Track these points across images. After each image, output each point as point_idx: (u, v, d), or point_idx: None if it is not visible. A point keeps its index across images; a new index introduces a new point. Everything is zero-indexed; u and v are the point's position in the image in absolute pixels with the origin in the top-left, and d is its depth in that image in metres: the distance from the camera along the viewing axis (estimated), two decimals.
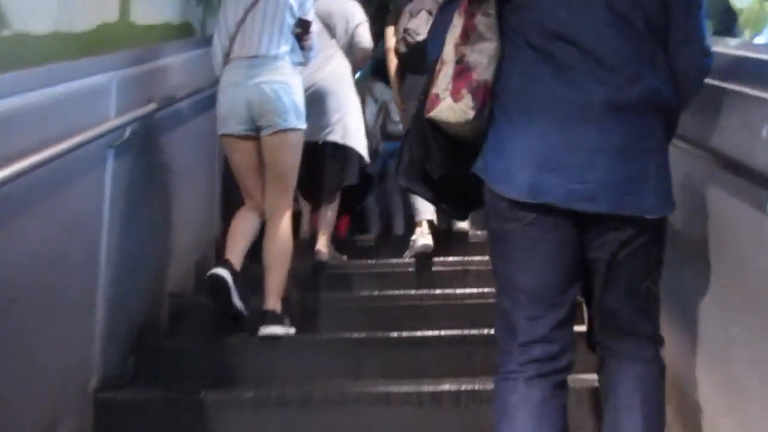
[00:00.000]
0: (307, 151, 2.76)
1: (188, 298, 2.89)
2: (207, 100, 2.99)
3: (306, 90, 2.77)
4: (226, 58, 2.59)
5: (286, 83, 2.54)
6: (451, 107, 1.50)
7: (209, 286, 2.40)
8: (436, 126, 1.55)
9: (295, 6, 2.61)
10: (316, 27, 2.78)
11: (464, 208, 1.82)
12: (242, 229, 2.56)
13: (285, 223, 2.55)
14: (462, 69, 1.50)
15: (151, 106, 2.50)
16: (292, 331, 2.47)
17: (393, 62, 3.55)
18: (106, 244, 2.22)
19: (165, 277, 2.76)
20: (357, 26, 3.49)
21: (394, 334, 2.43)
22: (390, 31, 3.60)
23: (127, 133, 2.31)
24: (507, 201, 1.44)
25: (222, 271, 2.37)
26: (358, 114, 3.51)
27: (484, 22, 1.50)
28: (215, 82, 2.69)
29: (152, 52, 2.75)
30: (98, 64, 2.25)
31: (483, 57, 1.50)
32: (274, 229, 2.53)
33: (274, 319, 2.41)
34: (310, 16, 2.69)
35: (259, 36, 2.55)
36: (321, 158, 3.28)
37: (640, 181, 1.39)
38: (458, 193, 1.66)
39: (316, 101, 3.17)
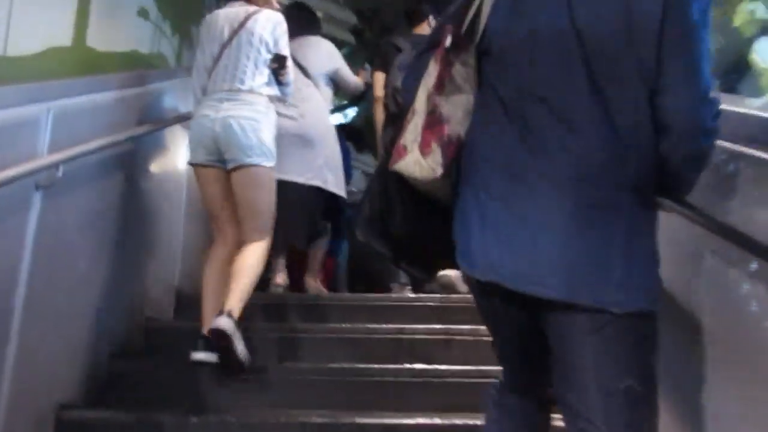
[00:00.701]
0: (290, 191, 2.90)
1: (132, 360, 2.54)
2: (168, 136, 2.70)
3: (285, 130, 2.89)
4: (204, 92, 2.61)
5: (255, 119, 2.49)
6: (419, 161, 1.38)
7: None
8: (401, 179, 1.44)
9: (271, 42, 2.62)
10: (291, 63, 2.74)
11: (429, 269, 1.67)
12: (214, 286, 2.42)
13: (260, 247, 2.45)
14: (434, 121, 1.39)
15: (96, 143, 2.19)
16: (241, 347, 2.27)
17: (380, 114, 3.43)
18: (23, 301, 1.87)
19: (103, 336, 2.40)
20: (338, 71, 3.57)
21: (363, 420, 2.08)
22: (379, 78, 3.49)
23: (60, 173, 1.99)
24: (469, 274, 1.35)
25: (203, 356, 2.22)
26: (338, 154, 3.54)
27: (461, 72, 1.39)
28: (178, 117, 2.47)
29: (105, 81, 2.45)
30: (30, 93, 1.94)
31: (458, 110, 1.39)
32: (248, 248, 2.43)
33: (228, 320, 2.21)
34: (286, 52, 2.67)
35: (234, 71, 2.57)
36: (304, 200, 3.28)
37: (604, 268, 1.20)
38: (423, 253, 1.53)
39: (297, 143, 3.22)
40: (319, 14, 6.65)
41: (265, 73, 2.59)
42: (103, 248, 2.40)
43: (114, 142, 2.33)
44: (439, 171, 1.35)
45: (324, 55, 3.55)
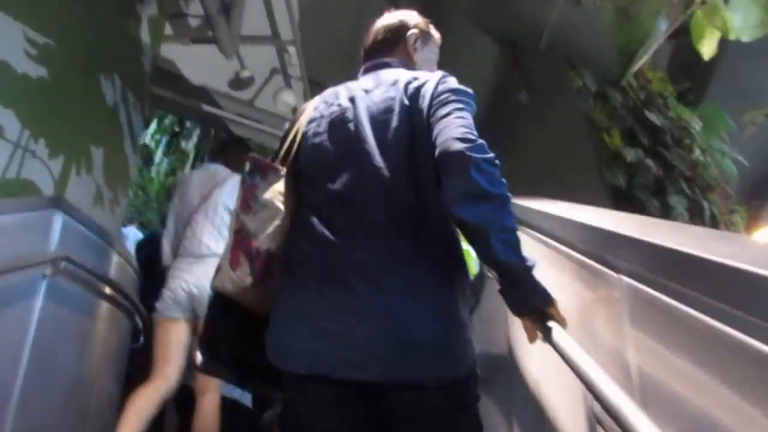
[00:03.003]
0: None
1: None
2: None
3: None
4: (175, 253, 2.97)
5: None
6: (229, 275, 1.48)
7: None
8: (224, 301, 1.53)
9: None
10: None
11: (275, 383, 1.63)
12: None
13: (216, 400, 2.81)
14: (241, 238, 1.50)
15: None
16: None
17: None
18: None
19: None
20: None
21: None
22: None
23: None
24: (288, 374, 1.39)
25: None
26: None
27: (269, 192, 1.52)
28: None
29: None
30: None
31: (266, 225, 1.50)
32: (206, 403, 2.79)
33: None
34: None
35: (200, 236, 2.91)
36: None
37: (414, 345, 1.29)
38: (263, 369, 1.50)
39: None
40: None
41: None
42: None
43: None
44: (248, 280, 1.47)
45: None
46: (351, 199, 1.43)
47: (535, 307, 1.31)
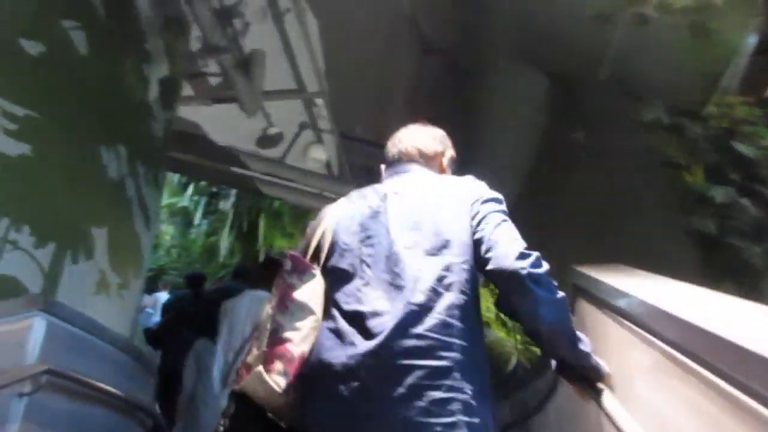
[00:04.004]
0: None
1: None
2: None
3: None
4: (225, 382, 2.90)
5: None
6: (260, 378, 1.43)
7: None
8: (249, 407, 1.48)
9: None
10: None
11: None
12: None
13: None
14: (277, 340, 1.47)
15: None
16: None
17: None
18: None
19: None
20: None
21: None
22: None
23: None
24: None
25: None
26: None
27: (306, 292, 1.53)
28: None
29: None
30: None
31: (303, 329, 1.48)
32: None
33: None
34: None
35: None
36: None
37: None
38: None
39: None
40: (331, 195, 6.24)
41: None
42: None
43: None
44: (283, 385, 1.41)
45: None
46: (365, 303, 1.47)
47: (592, 379, 1.56)
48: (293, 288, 1.53)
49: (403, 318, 1.39)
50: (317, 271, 1.56)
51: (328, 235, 1.62)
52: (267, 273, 3.29)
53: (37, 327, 2.10)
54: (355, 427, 1.35)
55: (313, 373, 1.44)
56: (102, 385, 2.40)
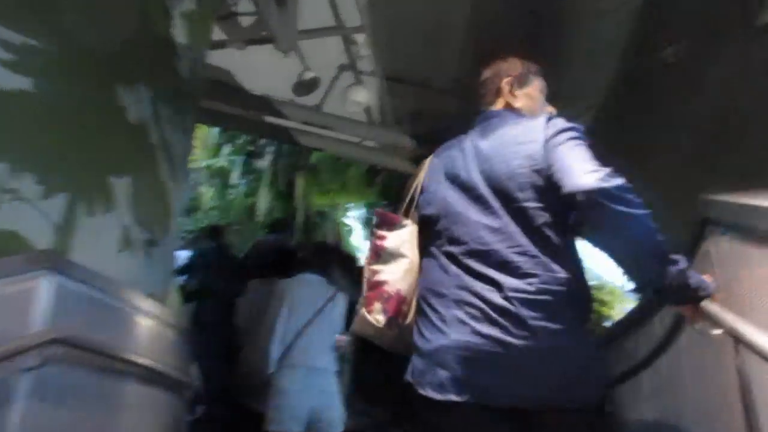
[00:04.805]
0: None
1: None
2: None
3: None
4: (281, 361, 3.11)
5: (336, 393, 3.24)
6: (364, 319, 1.68)
7: None
8: (366, 345, 1.76)
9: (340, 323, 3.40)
10: None
11: None
12: None
13: None
14: (374, 284, 1.71)
15: None
16: None
17: None
18: None
19: None
20: None
21: None
22: None
23: None
24: (431, 403, 1.49)
25: None
26: None
27: (395, 240, 1.76)
28: None
29: None
30: None
31: (397, 271, 1.70)
32: None
33: None
34: None
35: (316, 349, 3.14)
36: None
37: (563, 372, 1.43)
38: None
39: None
40: (372, 144, 5.79)
41: None
42: None
43: None
44: (383, 321, 1.65)
45: None
46: (479, 242, 1.57)
47: (711, 292, 1.45)
48: (384, 239, 1.75)
49: None
50: (405, 221, 1.78)
51: (418, 188, 1.86)
52: (316, 260, 3.64)
53: (44, 288, 1.78)
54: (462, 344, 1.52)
55: (418, 304, 1.66)
56: (125, 356, 2.09)
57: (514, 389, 1.42)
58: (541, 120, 1.64)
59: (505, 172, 1.59)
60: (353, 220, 13.94)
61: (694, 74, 2.76)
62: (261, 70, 4.99)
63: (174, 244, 3.32)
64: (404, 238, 1.72)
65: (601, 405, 1.50)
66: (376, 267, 1.71)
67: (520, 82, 1.86)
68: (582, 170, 1.41)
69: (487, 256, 1.51)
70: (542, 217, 1.53)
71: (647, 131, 3.13)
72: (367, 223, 12.76)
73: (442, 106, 4.84)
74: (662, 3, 2.90)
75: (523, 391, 1.42)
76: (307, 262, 3.69)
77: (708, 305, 1.40)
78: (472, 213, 1.59)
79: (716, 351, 1.53)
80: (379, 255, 1.73)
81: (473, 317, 1.48)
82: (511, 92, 1.84)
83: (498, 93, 1.86)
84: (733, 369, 1.41)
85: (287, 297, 3.27)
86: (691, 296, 1.44)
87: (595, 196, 1.36)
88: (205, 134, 13.56)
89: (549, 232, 1.49)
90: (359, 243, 13.89)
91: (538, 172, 1.55)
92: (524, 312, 1.42)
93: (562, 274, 1.46)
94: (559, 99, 2.04)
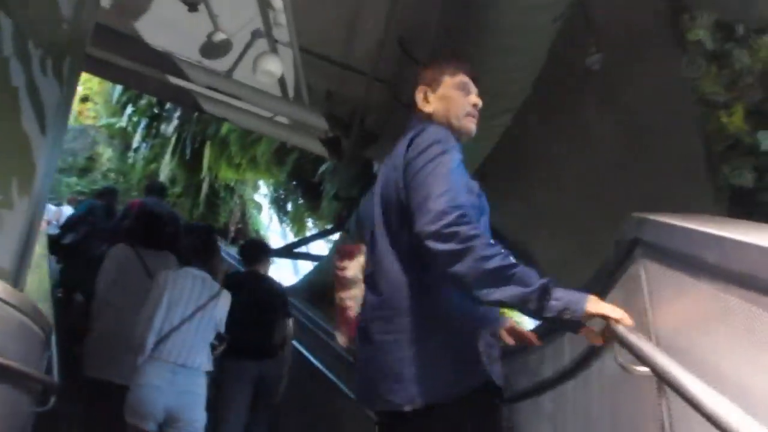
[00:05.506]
0: None
1: None
2: None
3: None
4: (152, 353, 2.94)
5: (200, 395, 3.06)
6: (336, 337, 1.93)
7: None
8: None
9: (221, 323, 3.22)
10: None
11: None
12: None
13: None
14: (341, 310, 1.88)
15: None
16: None
17: None
18: None
19: None
20: None
21: None
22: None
23: None
24: None
25: None
26: None
27: (355, 268, 1.87)
28: None
29: None
30: None
31: (358, 296, 1.81)
32: None
33: None
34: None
35: (190, 347, 3.01)
36: None
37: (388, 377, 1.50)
38: None
39: None
40: (284, 120, 5.46)
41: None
42: None
43: None
44: (344, 343, 1.87)
45: None
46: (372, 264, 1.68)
47: (580, 315, 1.30)
48: (344, 270, 1.87)
49: None
50: (363, 247, 1.81)
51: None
52: (205, 254, 3.40)
53: None
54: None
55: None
56: None
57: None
58: (404, 143, 1.62)
59: (385, 192, 1.66)
60: (263, 197, 13.50)
61: (615, 85, 2.66)
62: (166, 24, 4.53)
63: (38, 209, 2.87)
64: (361, 262, 1.84)
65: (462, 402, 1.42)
66: (342, 294, 1.87)
67: (433, 87, 1.83)
68: (421, 211, 1.42)
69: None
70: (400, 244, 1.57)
71: (564, 138, 3.03)
72: (275, 201, 12.36)
73: (359, 93, 4.59)
74: (595, 7, 2.76)
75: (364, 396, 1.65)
76: (192, 252, 3.40)
77: (630, 336, 1.19)
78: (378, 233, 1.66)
79: (635, 386, 1.38)
80: (343, 284, 1.87)
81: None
82: (425, 99, 1.82)
83: (415, 102, 1.86)
84: (652, 409, 1.26)
85: (167, 289, 3.09)
86: (558, 320, 1.31)
87: (424, 239, 1.38)
88: (107, 90, 12.61)
89: (400, 258, 1.54)
90: (266, 221, 13.50)
91: (400, 199, 1.56)
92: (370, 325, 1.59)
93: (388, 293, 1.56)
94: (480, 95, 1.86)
